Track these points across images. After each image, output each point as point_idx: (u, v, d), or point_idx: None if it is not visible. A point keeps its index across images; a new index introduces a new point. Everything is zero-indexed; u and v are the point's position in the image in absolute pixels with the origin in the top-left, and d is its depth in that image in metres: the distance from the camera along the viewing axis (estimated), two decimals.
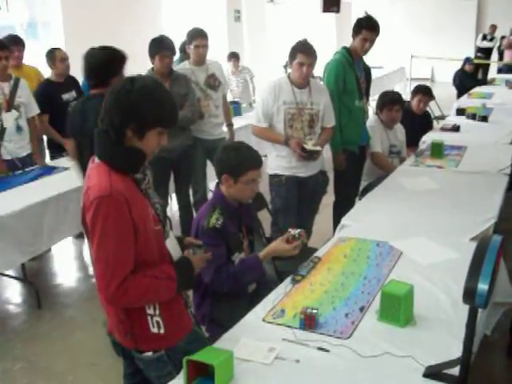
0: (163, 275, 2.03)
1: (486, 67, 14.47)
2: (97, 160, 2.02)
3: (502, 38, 15.00)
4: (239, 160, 2.73)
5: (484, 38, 15.41)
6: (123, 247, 1.92)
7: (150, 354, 2.13)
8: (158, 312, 2.09)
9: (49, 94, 5.25)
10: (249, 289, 2.87)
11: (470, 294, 1.68)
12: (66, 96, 5.34)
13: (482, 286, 1.65)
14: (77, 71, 5.57)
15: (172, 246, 2.17)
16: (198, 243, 2.36)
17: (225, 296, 2.74)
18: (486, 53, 14.84)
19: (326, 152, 4.58)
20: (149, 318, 2.08)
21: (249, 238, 2.90)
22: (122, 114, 1.94)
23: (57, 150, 5.37)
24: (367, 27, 4.48)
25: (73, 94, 5.40)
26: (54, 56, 5.26)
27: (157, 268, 2.03)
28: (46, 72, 5.65)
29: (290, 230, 2.85)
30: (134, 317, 2.08)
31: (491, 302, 1.92)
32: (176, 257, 2.16)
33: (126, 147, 1.98)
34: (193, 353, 1.94)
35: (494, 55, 15.26)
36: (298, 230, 2.82)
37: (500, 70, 14.03)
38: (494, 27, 15.45)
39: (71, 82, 5.46)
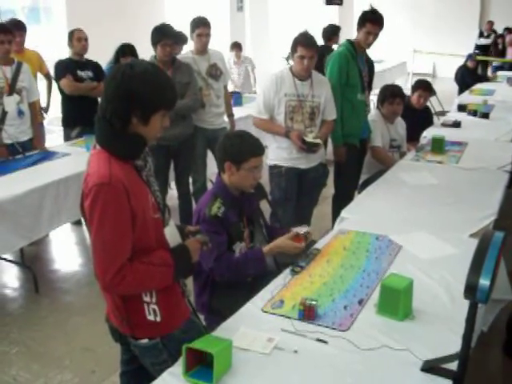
0: (160, 262, 2.03)
1: (485, 63, 14.36)
2: (97, 147, 2.01)
3: (498, 36, 14.79)
4: (242, 147, 2.74)
5: (481, 34, 15.23)
6: (121, 235, 1.92)
7: (145, 341, 2.13)
8: (154, 300, 2.08)
9: (67, 66, 5.34)
10: (248, 279, 2.87)
11: (471, 289, 1.68)
12: (81, 73, 5.40)
13: (484, 282, 1.66)
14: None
15: (171, 234, 2.15)
16: (195, 229, 2.33)
17: (224, 285, 2.75)
18: (483, 50, 14.69)
19: (328, 144, 4.57)
20: (145, 305, 2.08)
21: (249, 228, 2.90)
22: (126, 101, 1.92)
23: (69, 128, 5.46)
24: (371, 20, 4.47)
25: (89, 73, 5.45)
26: (72, 35, 5.40)
27: (154, 255, 2.02)
28: (48, 57, 5.64)
29: (292, 228, 2.86)
30: (131, 304, 2.08)
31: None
32: (175, 245, 2.15)
33: (126, 134, 1.97)
34: (189, 342, 1.94)
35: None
36: (306, 229, 2.84)
37: (495, 69, 13.87)
38: (490, 23, 15.16)
39: (91, 64, 5.52)
